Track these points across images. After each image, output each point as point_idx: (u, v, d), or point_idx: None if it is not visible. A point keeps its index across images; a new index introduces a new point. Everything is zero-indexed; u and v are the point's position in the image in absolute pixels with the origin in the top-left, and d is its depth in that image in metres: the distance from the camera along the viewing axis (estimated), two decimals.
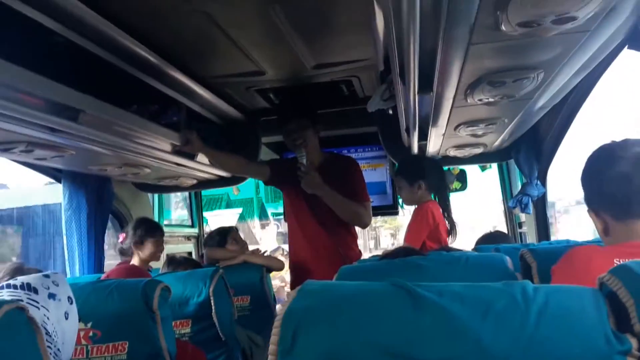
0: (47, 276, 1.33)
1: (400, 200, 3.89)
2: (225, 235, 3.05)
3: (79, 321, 1.42)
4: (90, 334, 1.70)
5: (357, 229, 3.12)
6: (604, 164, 1.31)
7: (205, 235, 3.99)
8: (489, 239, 2.90)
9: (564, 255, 1.33)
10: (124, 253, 2.89)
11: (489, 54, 1.37)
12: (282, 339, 0.83)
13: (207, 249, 3.05)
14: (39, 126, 1.76)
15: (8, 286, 1.26)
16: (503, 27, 1.16)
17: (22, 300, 1.22)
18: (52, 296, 1.29)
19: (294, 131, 2.80)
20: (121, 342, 1.69)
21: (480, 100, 1.74)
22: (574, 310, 0.78)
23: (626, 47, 1.52)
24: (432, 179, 2.85)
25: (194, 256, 4.13)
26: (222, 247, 2.99)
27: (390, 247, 2.20)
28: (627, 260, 1.08)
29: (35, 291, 1.26)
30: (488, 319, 0.79)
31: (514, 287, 0.83)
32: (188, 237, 4.27)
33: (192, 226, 4.33)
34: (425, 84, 1.68)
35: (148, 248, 2.86)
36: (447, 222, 2.84)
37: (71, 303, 1.35)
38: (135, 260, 2.85)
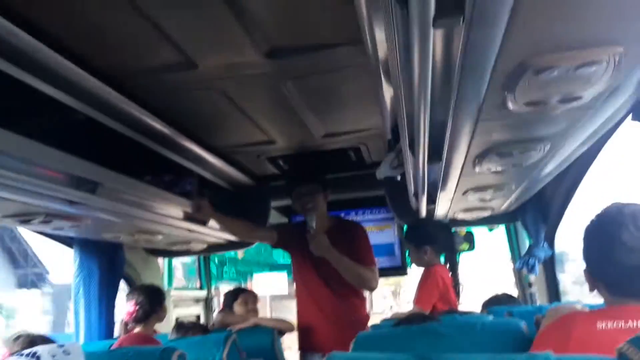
0: (60, 346, 1.37)
1: (408, 261, 3.90)
2: (235, 297, 3.10)
3: None
4: None
5: None
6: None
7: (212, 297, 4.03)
8: (496, 302, 2.89)
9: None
10: (139, 321, 2.73)
11: (497, 129, 1.42)
12: None
13: (218, 314, 3.04)
14: (58, 199, 1.80)
15: (19, 355, 1.30)
16: (511, 106, 1.21)
17: None
18: None
19: (305, 195, 2.84)
20: None
21: (488, 169, 1.78)
22: None
23: (630, 118, 1.57)
24: (439, 243, 2.88)
25: (202, 318, 4.11)
26: (232, 311, 3.00)
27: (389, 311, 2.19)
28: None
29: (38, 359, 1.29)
30: None
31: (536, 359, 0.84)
32: (197, 300, 4.26)
33: (201, 288, 4.33)
34: (435, 155, 1.72)
35: (163, 312, 2.84)
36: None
37: None
38: (143, 328, 2.79)
